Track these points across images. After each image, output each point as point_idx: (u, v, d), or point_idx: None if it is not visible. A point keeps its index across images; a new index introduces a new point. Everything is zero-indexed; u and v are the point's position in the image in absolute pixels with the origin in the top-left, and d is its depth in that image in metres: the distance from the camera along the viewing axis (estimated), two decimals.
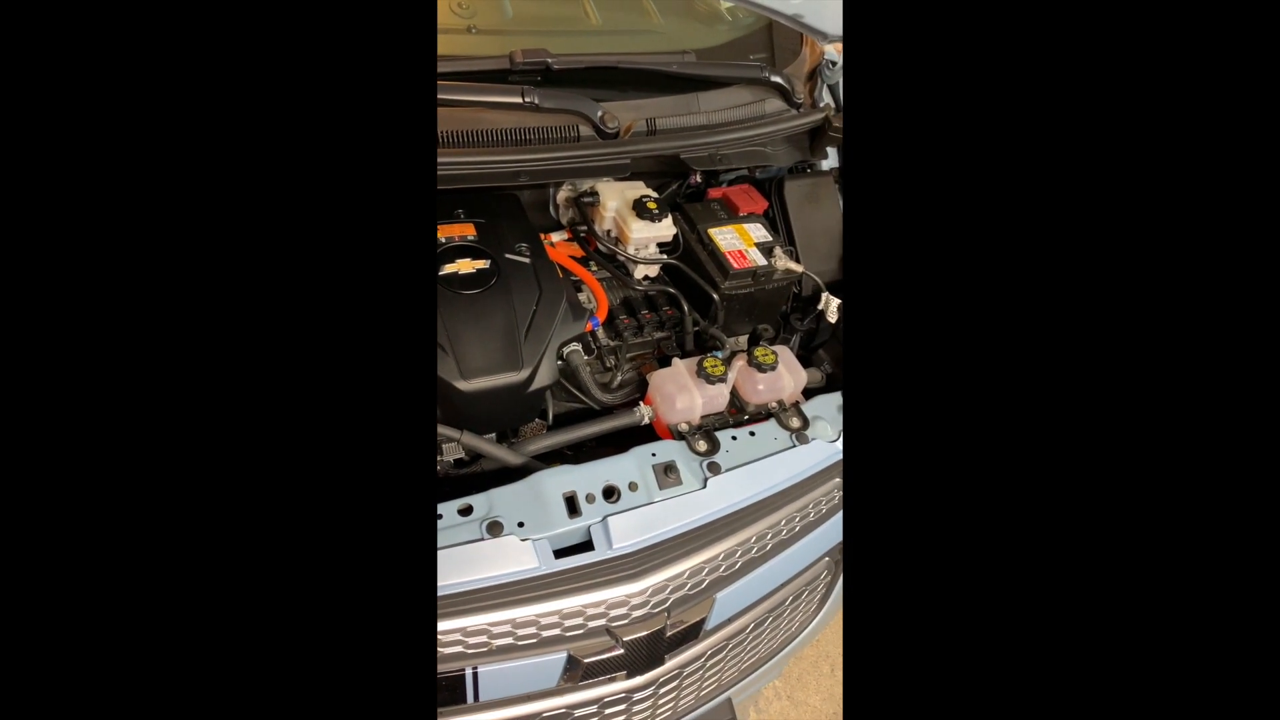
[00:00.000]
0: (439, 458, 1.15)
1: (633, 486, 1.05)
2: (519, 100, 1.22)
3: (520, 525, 1.00)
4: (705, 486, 1.09)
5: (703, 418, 1.24)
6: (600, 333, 1.37)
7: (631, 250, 1.43)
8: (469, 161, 1.20)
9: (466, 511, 1.01)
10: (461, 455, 1.20)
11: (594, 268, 1.46)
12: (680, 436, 1.18)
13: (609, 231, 1.47)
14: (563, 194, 1.56)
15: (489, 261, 1.22)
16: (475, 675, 0.96)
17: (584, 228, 1.46)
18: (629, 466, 1.07)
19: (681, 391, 1.22)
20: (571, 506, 1.02)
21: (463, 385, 1.12)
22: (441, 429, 1.12)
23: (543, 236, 1.49)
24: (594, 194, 1.45)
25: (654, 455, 1.11)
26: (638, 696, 1.09)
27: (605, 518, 1.02)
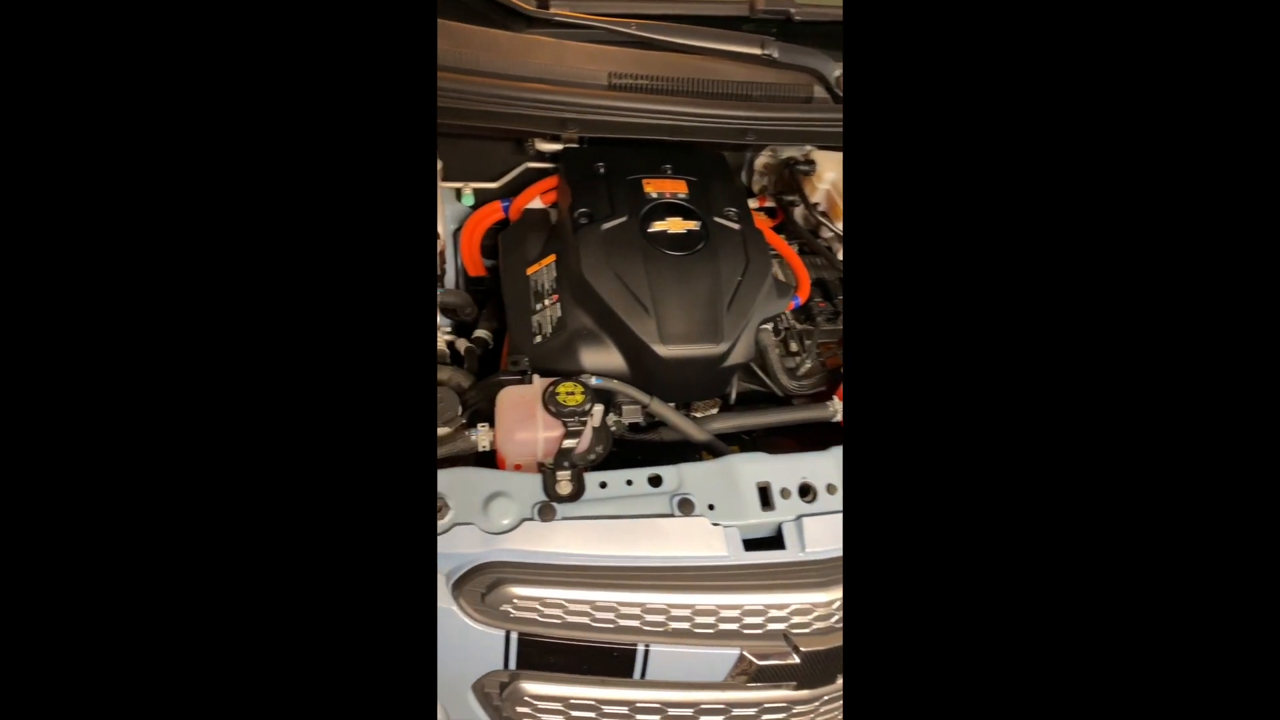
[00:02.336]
0: (617, 418, 1.11)
1: (831, 489, 0.97)
2: (757, 51, 1.13)
3: (711, 508, 0.94)
4: None
5: None
6: (788, 314, 1.29)
7: (842, 227, 1.33)
8: (693, 113, 1.13)
9: (656, 482, 0.96)
10: (638, 420, 1.15)
11: (791, 242, 1.37)
12: None
13: (817, 205, 1.38)
14: (763, 159, 1.47)
15: (699, 223, 1.15)
16: (647, 653, 0.92)
17: (791, 197, 1.37)
18: (828, 466, 0.99)
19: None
20: (764, 498, 0.95)
21: (661, 350, 1.06)
22: (630, 390, 1.07)
23: None
24: (811, 163, 1.35)
25: None
26: (798, 710, 1.03)
27: (799, 517, 0.94)
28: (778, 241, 1.32)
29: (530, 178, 1.38)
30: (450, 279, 1.49)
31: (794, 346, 1.31)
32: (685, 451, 1.14)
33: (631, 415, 1.12)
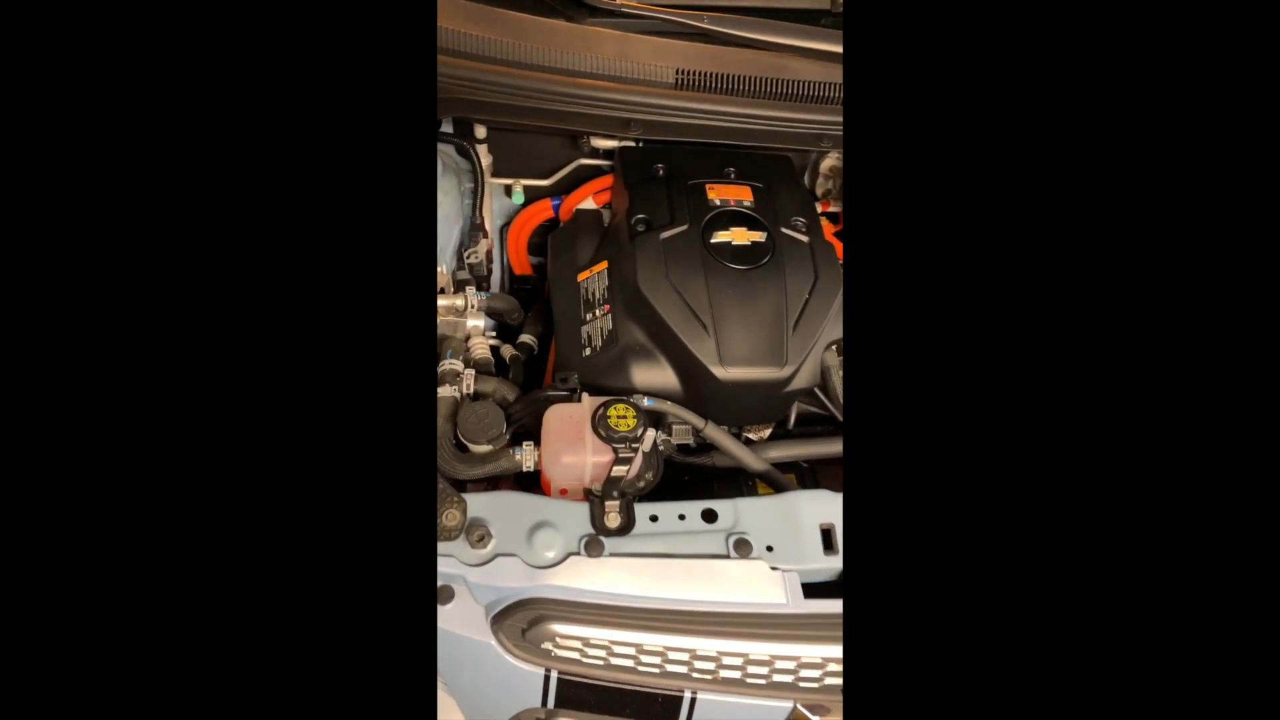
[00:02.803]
0: (666, 438, 1.05)
1: None
2: (836, 49, 1.05)
3: (769, 549, 0.87)
4: None
5: None
6: None
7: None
8: (765, 116, 1.05)
9: (711, 517, 0.89)
10: (689, 441, 1.09)
11: None
12: None
13: None
14: (830, 161, 1.38)
15: (765, 234, 1.08)
16: (694, 702, 0.86)
17: None
18: None
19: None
20: (828, 540, 0.88)
21: (719, 372, 0.99)
22: (684, 413, 1.00)
23: None
24: None
25: None
26: None
27: None
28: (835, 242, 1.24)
29: (584, 175, 1.32)
30: (496, 278, 1.43)
31: None
32: (737, 477, 1.08)
33: (682, 436, 1.05)
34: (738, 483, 1.08)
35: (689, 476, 1.08)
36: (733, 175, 1.17)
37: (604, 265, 1.13)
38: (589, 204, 1.29)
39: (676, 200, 1.09)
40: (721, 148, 1.16)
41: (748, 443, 1.07)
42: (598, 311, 1.09)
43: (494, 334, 1.25)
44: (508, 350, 1.19)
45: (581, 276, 1.16)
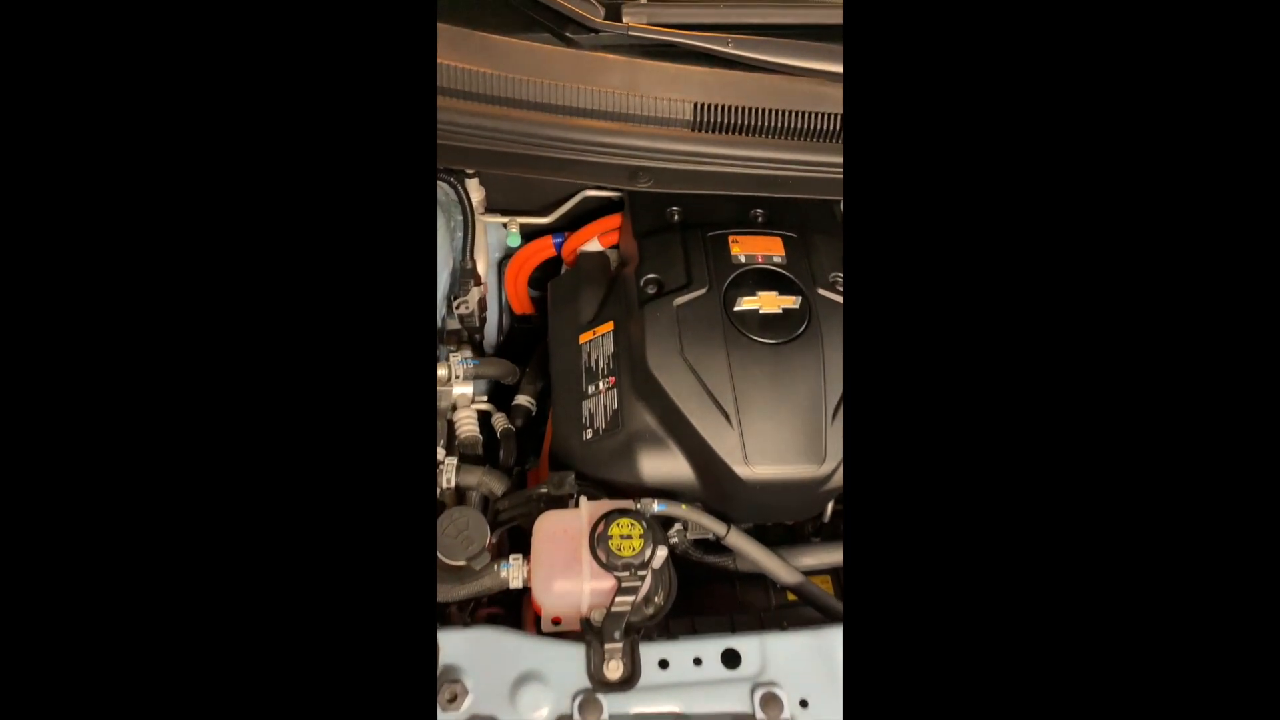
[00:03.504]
0: (681, 529, 0.90)
1: None
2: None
3: (803, 705, 0.72)
4: None
5: None
6: None
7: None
8: (803, 161, 0.87)
9: (733, 660, 0.74)
10: (708, 536, 0.93)
11: None
12: None
13: None
14: None
15: (798, 299, 0.91)
16: None
17: None
18: None
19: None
20: None
21: (744, 472, 0.83)
22: (703, 518, 0.84)
23: None
24: None
25: None
26: None
27: None
28: None
29: (590, 209, 1.15)
30: (493, 318, 1.28)
31: None
32: (764, 581, 0.93)
33: (698, 531, 0.90)
34: (766, 589, 0.93)
35: (707, 579, 0.93)
36: (760, 219, 1.00)
37: (610, 326, 0.97)
38: (594, 245, 1.12)
39: (694, 256, 0.92)
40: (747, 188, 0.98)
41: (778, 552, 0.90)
42: (602, 384, 0.94)
43: (485, 398, 1.10)
44: (499, 421, 1.04)
45: (584, 338, 1.00)
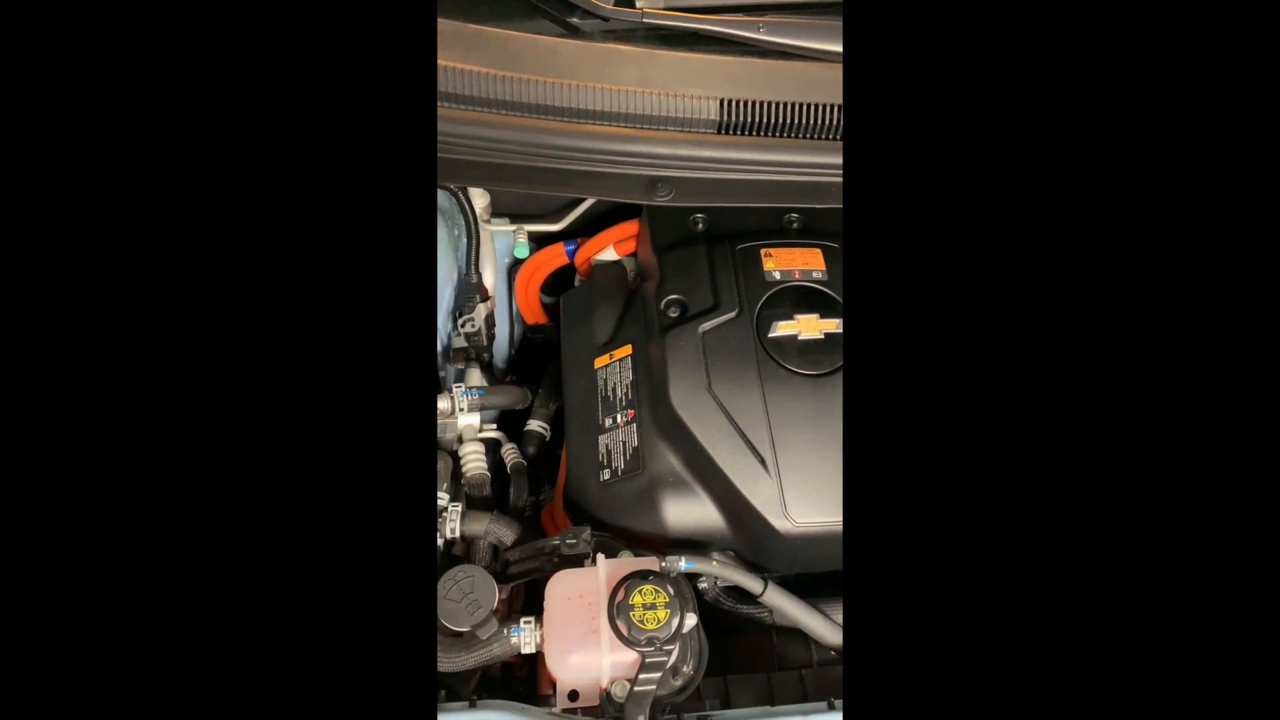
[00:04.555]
0: (715, 584, 0.80)
1: None
2: None
3: None
4: None
5: None
6: None
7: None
8: (835, 166, 0.75)
9: None
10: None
11: None
12: None
13: None
14: None
15: (842, 320, 0.80)
16: None
17: None
18: None
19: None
20: None
21: (782, 525, 0.73)
22: (736, 574, 0.75)
23: None
24: None
25: None
26: None
27: None
28: None
29: (603, 212, 1.04)
30: (503, 335, 1.19)
31: None
32: (805, 637, 0.83)
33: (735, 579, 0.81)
34: (806, 641, 0.84)
35: (740, 628, 0.84)
36: (795, 226, 0.89)
37: (628, 350, 0.87)
38: (609, 254, 1.02)
39: (721, 273, 0.81)
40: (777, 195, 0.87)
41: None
42: (619, 417, 0.84)
43: (494, 425, 1.01)
44: (509, 454, 0.95)
45: (599, 362, 0.90)
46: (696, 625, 0.71)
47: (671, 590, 0.69)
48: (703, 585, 0.81)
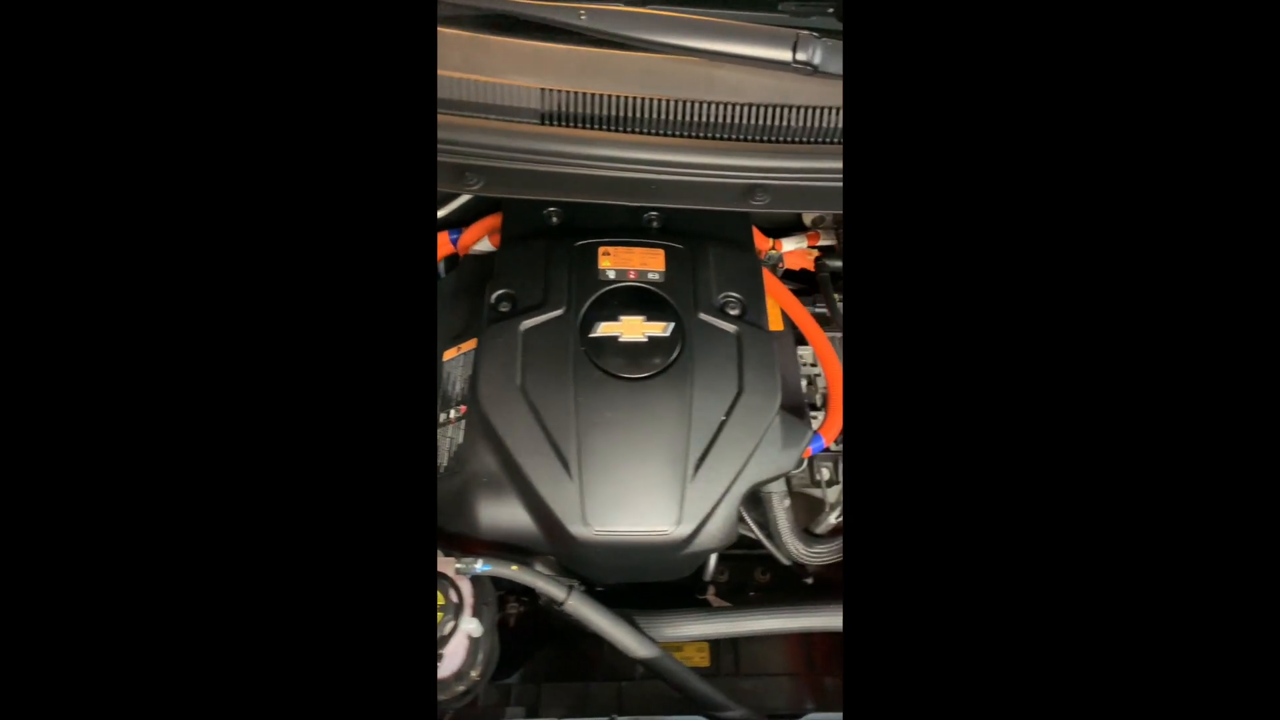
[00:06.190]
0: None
1: None
2: (785, 56, 0.70)
3: None
4: None
5: None
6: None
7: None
8: (671, 164, 0.72)
9: None
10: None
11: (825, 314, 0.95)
12: None
13: None
14: None
15: (671, 325, 0.77)
16: None
17: (828, 261, 0.94)
18: None
19: None
20: None
21: (580, 532, 0.70)
22: (537, 580, 0.72)
23: (773, 245, 0.99)
24: None
25: None
26: None
27: None
28: (806, 322, 0.90)
29: (491, 201, 1.02)
30: None
31: (821, 487, 0.92)
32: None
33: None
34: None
35: (577, 635, 0.82)
36: (654, 223, 0.85)
37: (473, 344, 0.85)
38: (485, 245, 1.00)
39: (555, 269, 0.78)
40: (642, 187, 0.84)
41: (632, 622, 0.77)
42: (453, 413, 0.82)
43: None
44: None
45: (448, 354, 0.87)
46: (489, 630, 0.69)
47: (454, 595, 0.67)
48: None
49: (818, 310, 0.93)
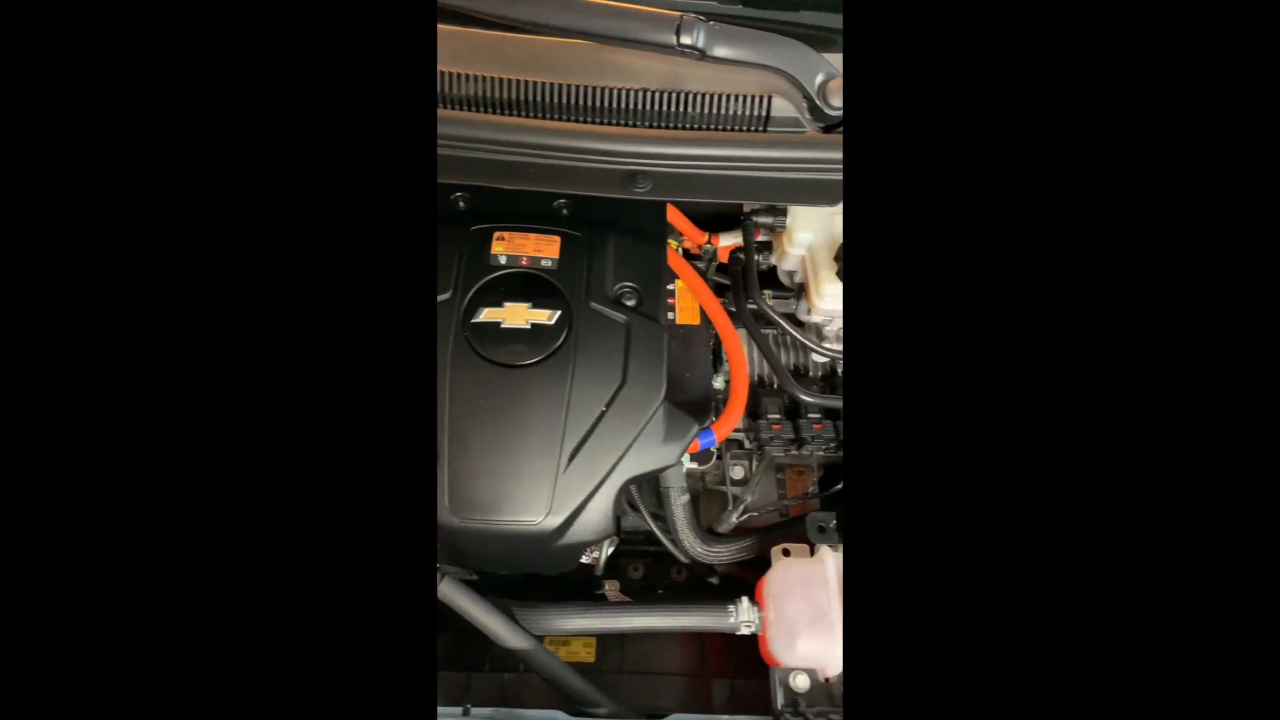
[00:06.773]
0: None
1: None
2: (669, 40, 0.68)
3: None
4: None
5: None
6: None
7: (818, 319, 0.86)
8: (542, 147, 0.70)
9: None
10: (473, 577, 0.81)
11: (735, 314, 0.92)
12: (791, 702, 0.68)
13: (792, 274, 0.91)
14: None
15: (558, 313, 0.75)
16: None
17: (742, 256, 0.91)
18: None
19: (818, 620, 0.70)
20: None
21: (446, 520, 0.69)
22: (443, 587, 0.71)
23: (709, 239, 0.96)
24: (782, 212, 0.88)
25: None
26: None
27: None
28: (721, 319, 0.87)
29: None
30: None
31: (737, 482, 0.89)
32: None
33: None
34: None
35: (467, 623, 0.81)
36: (564, 211, 0.84)
37: None
38: None
39: (448, 253, 0.78)
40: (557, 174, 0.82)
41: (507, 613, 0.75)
42: None
43: None
44: None
45: None
46: None
47: None
48: None
49: (750, 307, 0.90)
